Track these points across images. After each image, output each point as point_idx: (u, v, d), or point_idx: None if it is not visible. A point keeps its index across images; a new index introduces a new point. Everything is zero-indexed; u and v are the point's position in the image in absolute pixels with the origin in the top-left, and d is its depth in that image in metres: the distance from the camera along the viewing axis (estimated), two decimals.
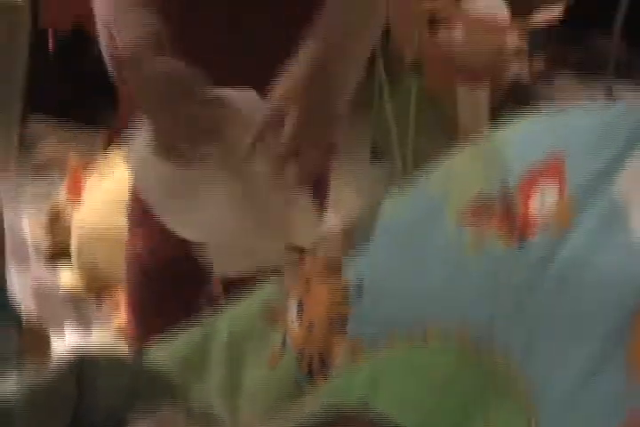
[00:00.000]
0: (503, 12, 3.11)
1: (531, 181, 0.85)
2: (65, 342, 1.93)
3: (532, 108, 0.91)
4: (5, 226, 2.62)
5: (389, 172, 3.37)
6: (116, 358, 0.91)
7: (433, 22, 3.01)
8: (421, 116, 3.32)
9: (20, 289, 2.23)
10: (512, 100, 3.35)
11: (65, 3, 2.87)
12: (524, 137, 0.89)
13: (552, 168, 0.83)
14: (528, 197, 0.84)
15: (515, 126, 0.94)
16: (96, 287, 2.12)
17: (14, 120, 0.69)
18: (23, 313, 0.79)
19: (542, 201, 0.83)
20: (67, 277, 2.26)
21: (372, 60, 3.55)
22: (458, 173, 0.93)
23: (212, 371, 1.04)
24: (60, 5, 2.90)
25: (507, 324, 0.80)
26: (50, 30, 3.01)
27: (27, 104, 3.36)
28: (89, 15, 1.14)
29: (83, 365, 0.86)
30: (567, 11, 4.36)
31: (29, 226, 2.63)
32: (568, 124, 0.86)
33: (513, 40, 3.11)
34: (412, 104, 3.09)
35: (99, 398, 0.86)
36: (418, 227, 0.92)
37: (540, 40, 4.36)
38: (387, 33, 3.34)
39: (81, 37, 2.98)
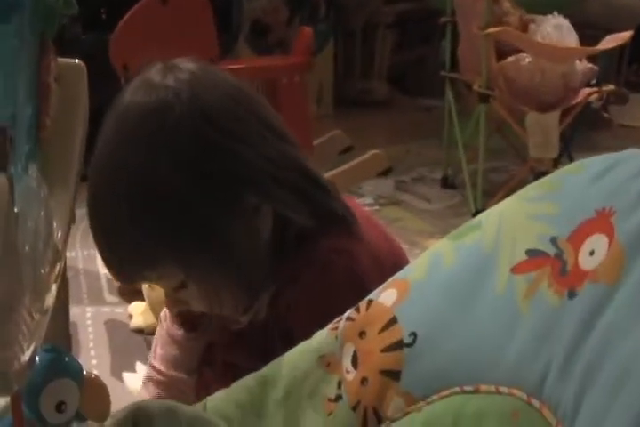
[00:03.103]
0: (572, 35, 3.09)
1: (580, 234, 0.85)
2: (136, 377, 1.96)
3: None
4: (80, 263, 2.68)
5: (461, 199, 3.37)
6: (171, 409, 0.93)
7: (501, 50, 3.01)
8: (490, 142, 3.32)
9: (93, 327, 2.28)
10: (583, 123, 3.33)
11: None
12: (575, 194, 0.89)
13: (601, 223, 0.84)
14: (577, 249, 0.85)
15: (568, 175, 0.94)
16: None
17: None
18: (83, 368, 0.82)
19: (591, 253, 0.83)
20: (139, 315, 2.29)
21: (442, 91, 3.58)
22: (510, 225, 0.94)
23: (269, 416, 1.05)
24: None
25: (557, 380, 0.80)
26: None
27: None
28: None
29: (137, 419, 0.88)
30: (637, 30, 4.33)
31: None
32: (617, 179, 0.87)
33: (582, 63, 3.09)
34: (482, 131, 3.09)
35: None
36: (470, 280, 0.93)
37: (612, 61, 4.33)
38: (455, 63, 3.36)
39: None
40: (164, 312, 1.51)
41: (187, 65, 1.19)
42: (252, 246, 1.19)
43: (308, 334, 1.07)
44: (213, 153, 1.14)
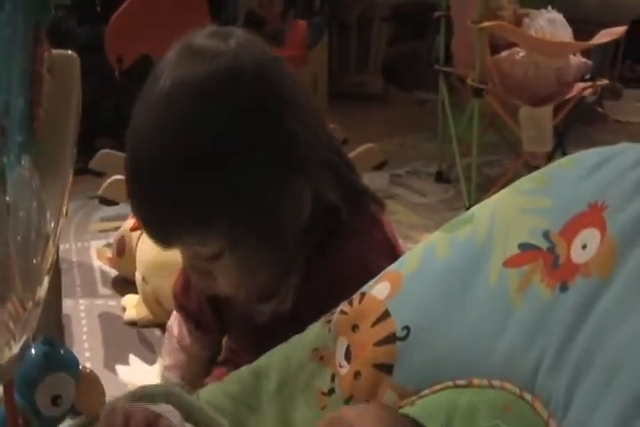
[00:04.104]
0: (566, 30, 3.08)
1: (573, 228, 0.86)
2: (129, 370, 1.97)
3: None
4: (74, 256, 2.68)
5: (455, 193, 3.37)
6: (170, 391, 0.93)
7: (495, 44, 3.00)
8: (484, 136, 3.32)
9: (87, 319, 2.28)
10: (577, 118, 3.33)
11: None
12: (568, 188, 0.89)
13: (593, 217, 0.84)
14: (570, 243, 0.85)
15: (561, 169, 0.94)
16: (161, 317, 2.14)
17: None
18: (79, 361, 0.82)
19: (584, 247, 0.83)
20: (133, 307, 2.29)
21: (437, 85, 3.57)
22: (503, 219, 0.94)
23: (262, 408, 1.05)
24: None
25: (549, 372, 0.80)
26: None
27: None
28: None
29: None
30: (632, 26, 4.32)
31: (97, 255, 2.67)
32: (609, 173, 0.87)
33: (576, 58, 3.08)
34: (476, 125, 3.09)
35: None
36: (463, 273, 0.94)
37: (606, 56, 4.33)
38: (449, 57, 3.36)
39: None
40: (173, 318, 1.51)
41: (236, 31, 1.15)
42: (295, 223, 1.17)
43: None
44: (277, 128, 1.11)
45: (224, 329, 1.44)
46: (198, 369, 1.43)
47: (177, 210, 1.12)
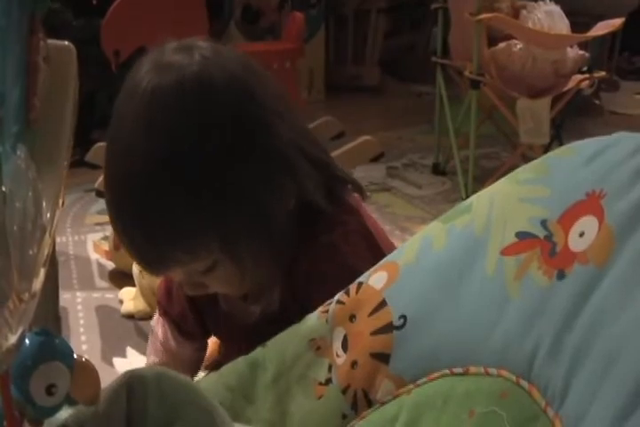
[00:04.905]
0: (563, 22, 3.08)
1: (570, 217, 0.85)
2: (126, 362, 1.97)
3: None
4: (71, 249, 2.68)
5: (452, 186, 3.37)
6: (162, 372, 0.92)
7: (492, 36, 3.00)
8: (482, 128, 3.32)
9: (84, 312, 2.27)
10: (574, 110, 3.32)
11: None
12: (566, 177, 0.89)
13: (591, 205, 0.84)
14: (567, 231, 0.85)
15: (559, 158, 0.94)
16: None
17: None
18: (74, 351, 0.82)
19: (581, 235, 0.83)
20: (130, 300, 2.28)
21: (434, 77, 3.57)
22: (501, 208, 0.94)
23: (259, 400, 1.05)
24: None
25: (545, 360, 0.80)
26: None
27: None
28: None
29: (132, 386, 0.88)
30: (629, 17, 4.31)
31: (94, 248, 2.67)
32: (607, 162, 0.87)
33: (574, 50, 3.08)
34: (473, 117, 3.09)
35: (148, 416, 0.88)
36: (461, 262, 0.94)
37: (603, 48, 4.32)
38: (446, 49, 3.35)
39: None
40: (155, 320, 1.50)
41: (201, 43, 1.16)
42: (283, 220, 1.17)
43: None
44: (256, 129, 1.12)
45: (207, 334, 1.45)
46: (183, 372, 1.42)
47: (165, 224, 1.11)
